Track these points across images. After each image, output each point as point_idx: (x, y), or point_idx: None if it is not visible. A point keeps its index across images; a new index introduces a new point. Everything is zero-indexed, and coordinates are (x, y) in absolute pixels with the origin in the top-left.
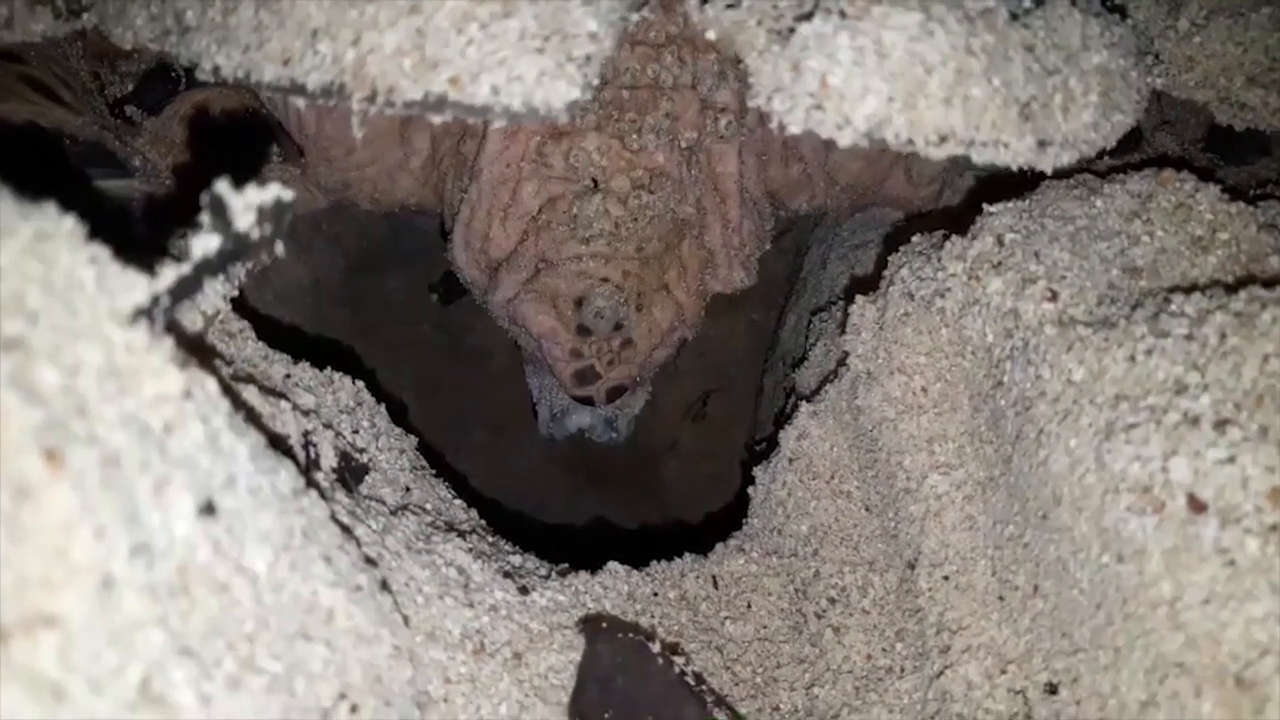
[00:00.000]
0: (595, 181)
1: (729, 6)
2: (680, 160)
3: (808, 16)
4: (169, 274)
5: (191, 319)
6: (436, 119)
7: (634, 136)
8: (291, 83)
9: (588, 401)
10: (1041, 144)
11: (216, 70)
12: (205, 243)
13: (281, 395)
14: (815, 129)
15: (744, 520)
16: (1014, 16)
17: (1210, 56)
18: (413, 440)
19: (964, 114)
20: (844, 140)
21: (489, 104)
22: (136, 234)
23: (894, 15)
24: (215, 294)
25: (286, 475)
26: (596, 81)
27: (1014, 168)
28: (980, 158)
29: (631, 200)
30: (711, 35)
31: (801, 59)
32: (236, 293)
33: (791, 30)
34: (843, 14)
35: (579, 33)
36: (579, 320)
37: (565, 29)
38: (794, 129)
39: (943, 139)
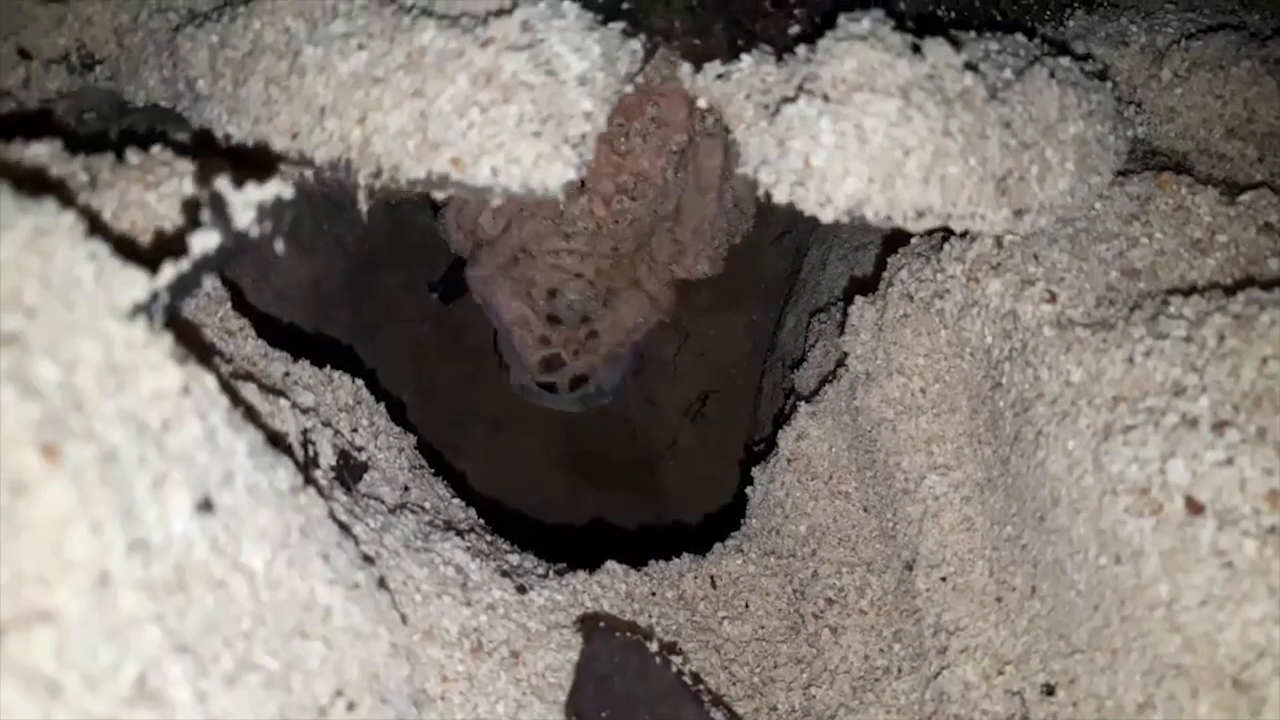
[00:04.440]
0: (583, 181)
1: (719, 77)
2: (666, 165)
3: (792, 99)
4: (168, 271)
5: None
6: (440, 195)
7: (621, 140)
8: (300, 155)
9: (550, 388)
10: (1018, 213)
11: (228, 138)
12: (204, 240)
13: (280, 393)
14: (798, 204)
15: (742, 521)
16: (992, 94)
17: (1191, 108)
18: (411, 439)
19: (941, 192)
20: (826, 217)
21: (489, 185)
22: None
23: (874, 102)
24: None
25: (285, 473)
26: (590, 157)
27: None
28: (959, 228)
29: (615, 204)
30: (703, 103)
31: (787, 138)
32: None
33: (778, 108)
34: (826, 98)
35: (575, 113)
36: (550, 309)
37: (561, 111)
38: (779, 199)
39: (920, 214)
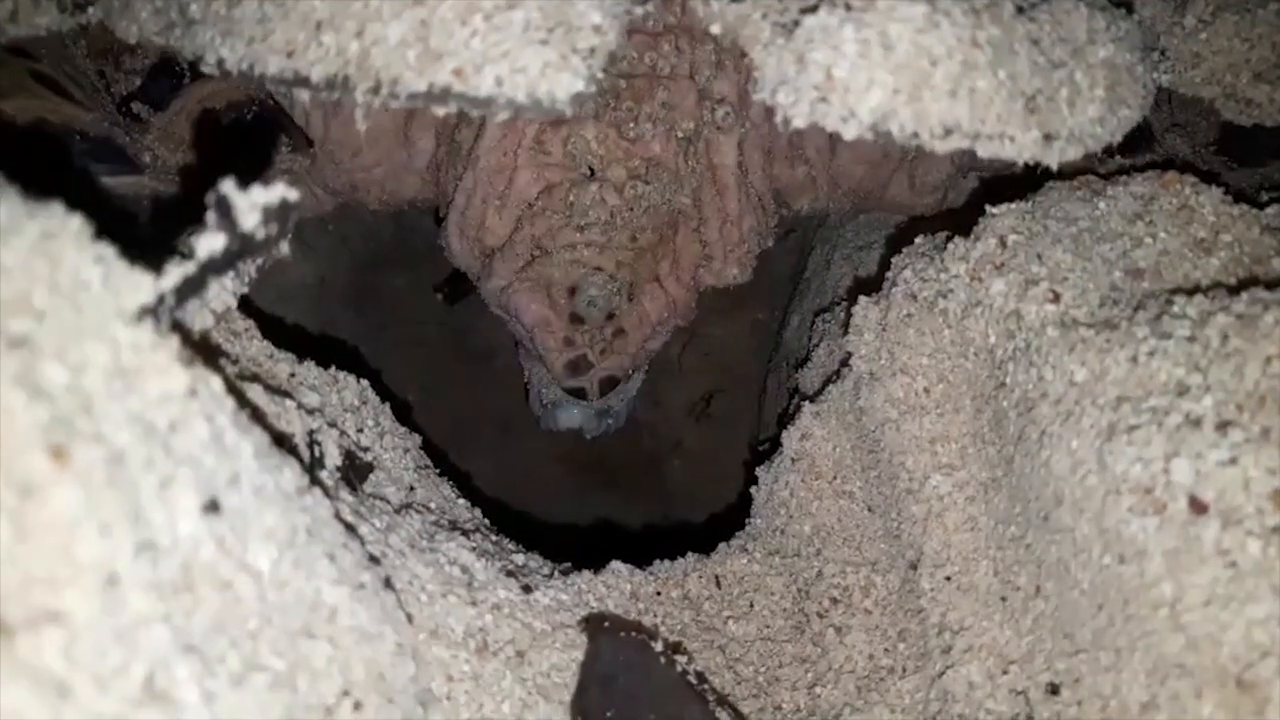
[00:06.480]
0: (592, 170)
1: (733, 0)
2: (677, 150)
3: (813, 9)
4: (175, 273)
5: (202, 317)
6: (440, 110)
7: (630, 125)
8: (295, 75)
9: (579, 394)
10: (1047, 138)
11: (221, 63)
12: (211, 242)
13: (286, 394)
14: (820, 121)
15: (747, 520)
16: (1020, 9)
17: (1216, 53)
18: (417, 439)
19: (969, 106)
20: (849, 133)
21: (493, 95)
22: (143, 232)
23: (899, 7)
24: (226, 291)
25: (290, 473)
26: (600, 74)
27: (1019, 162)
28: (985, 151)
29: (628, 190)
30: (716, 29)
31: (806, 51)
32: (246, 289)
33: (796, 23)
34: (848, 6)
35: (583, 25)
36: (572, 309)
37: (569, 21)
38: (799, 122)
39: (948, 131)
